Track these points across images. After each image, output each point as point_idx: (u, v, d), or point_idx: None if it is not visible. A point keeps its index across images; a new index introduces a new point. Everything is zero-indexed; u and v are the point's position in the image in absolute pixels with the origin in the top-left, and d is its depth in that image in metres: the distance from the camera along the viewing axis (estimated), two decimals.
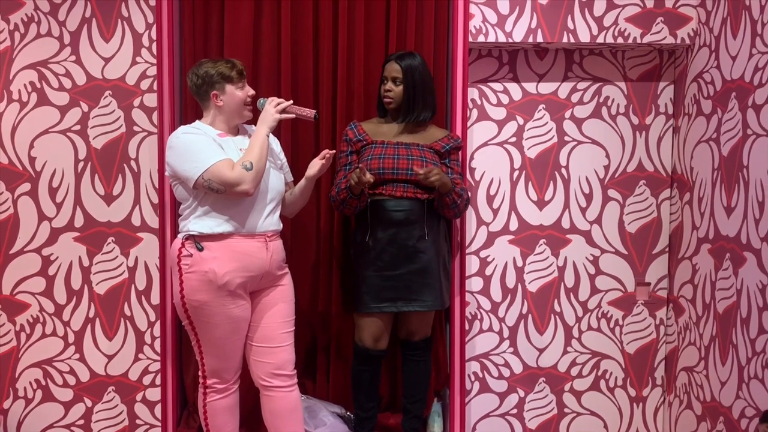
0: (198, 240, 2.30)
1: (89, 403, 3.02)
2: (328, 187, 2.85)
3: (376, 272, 2.58)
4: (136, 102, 2.93)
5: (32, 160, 2.94)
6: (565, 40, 2.87)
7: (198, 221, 2.31)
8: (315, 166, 2.47)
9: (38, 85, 2.91)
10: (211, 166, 2.22)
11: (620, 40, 2.89)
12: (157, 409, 3.01)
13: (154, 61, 2.88)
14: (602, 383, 3.16)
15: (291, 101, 2.42)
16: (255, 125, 2.39)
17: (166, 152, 2.34)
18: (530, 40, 2.87)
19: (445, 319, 2.98)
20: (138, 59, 2.92)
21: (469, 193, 2.76)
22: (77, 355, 3.00)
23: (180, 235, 2.36)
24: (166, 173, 2.39)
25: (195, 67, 2.40)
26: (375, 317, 2.62)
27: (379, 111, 2.74)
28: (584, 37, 2.88)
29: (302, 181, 2.51)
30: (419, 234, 2.57)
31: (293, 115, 2.41)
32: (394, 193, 2.56)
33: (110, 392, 3.02)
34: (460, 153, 2.72)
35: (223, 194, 2.26)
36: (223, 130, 2.39)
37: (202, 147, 2.27)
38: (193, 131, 2.33)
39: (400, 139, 2.64)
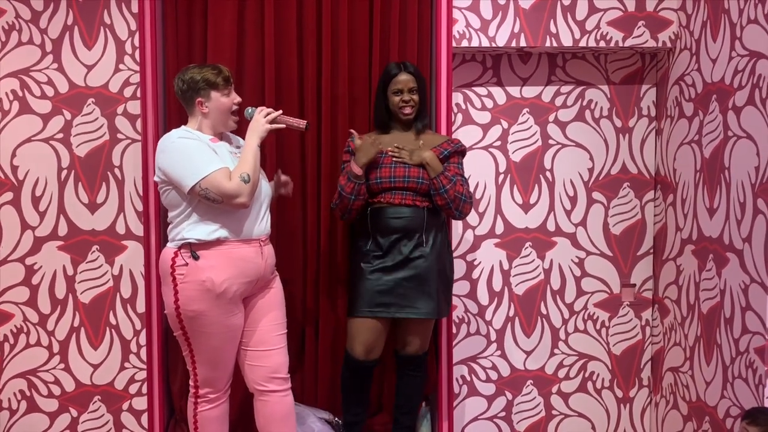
0: (194, 248, 2.26)
1: (75, 413, 2.99)
2: (314, 190, 2.86)
3: (373, 278, 2.58)
4: (120, 109, 2.91)
5: (15, 168, 2.91)
6: (548, 44, 2.89)
7: (192, 228, 2.26)
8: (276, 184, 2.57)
9: (20, 93, 2.89)
10: (209, 174, 2.18)
11: (602, 44, 2.91)
12: (144, 418, 2.98)
13: (137, 68, 2.86)
14: (589, 385, 3.18)
15: (281, 111, 2.39)
16: (240, 134, 2.37)
17: (158, 156, 2.28)
18: (513, 44, 2.89)
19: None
20: (121, 66, 2.90)
21: (472, 195, 2.70)
22: (62, 365, 2.97)
23: (171, 244, 2.31)
24: (156, 178, 2.32)
25: (181, 72, 2.37)
26: (368, 324, 2.60)
27: (378, 125, 2.69)
28: (567, 41, 2.90)
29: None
30: (418, 242, 2.56)
31: (284, 125, 2.38)
32: (393, 200, 2.56)
33: (96, 402, 2.99)
34: (463, 157, 2.68)
35: (220, 204, 2.23)
36: (210, 135, 2.36)
37: (199, 153, 2.23)
38: (187, 135, 2.28)
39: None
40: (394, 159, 2.58)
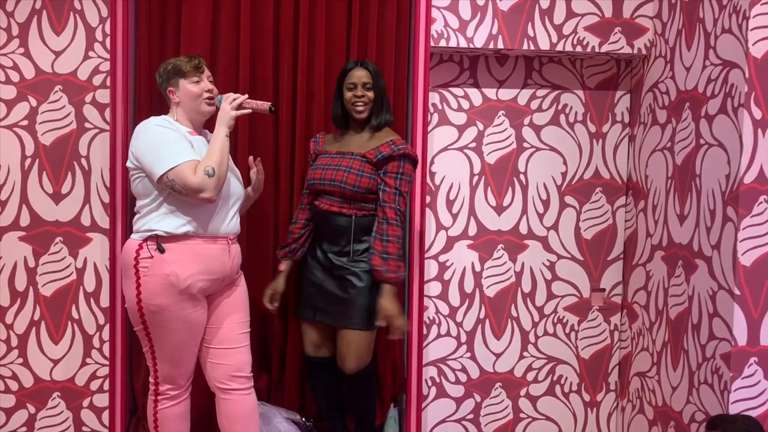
0: (160, 241, 2.21)
1: (33, 410, 2.90)
2: (286, 187, 2.82)
3: (306, 282, 2.61)
4: (88, 98, 2.84)
5: None
6: (525, 47, 2.90)
7: (161, 219, 2.21)
8: (253, 180, 2.55)
9: None
10: (177, 165, 2.13)
11: (579, 49, 2.92)
12: (105, 416, 2.91)
13: (108, 56, 2.79)
14: (557, 388, 3.19)
15: (246, 95, 2.33)
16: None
17: (133, 140, 2.23)
18: (491, 46, 2.88)
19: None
20: (90, 54, 2.83)
21: (399, 244, 2.48)
22: (20, 360, 2.88)
23: (136, 235, 2.25)
24: (128, 164, 2.26)
25: (161, 65, 2.35)
26: (308, 325, 2.64)
27: (336, 123, 2.64)
28: (544, 45, 2.90)
29: (249, 190, 2.57)
30: (345, 250, 2.51)
31: (249, 110, 2.32)
32: (322, 206, 2.54)
33: (55, 398, 2.90)
34: (404, 163, 2.48)
35: (186, 197, 2.19)
36: (189, 127, 2.31)
37: (172, 142, 2.18)
38: (165, 124, 2.23)
39: (343, 148, 2.57)
40: (332, 162, 2.51)
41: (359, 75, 2.52)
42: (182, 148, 2.18)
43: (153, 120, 2.26)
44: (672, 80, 2.77)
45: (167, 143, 2.18)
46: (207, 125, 2.42)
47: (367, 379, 2.61)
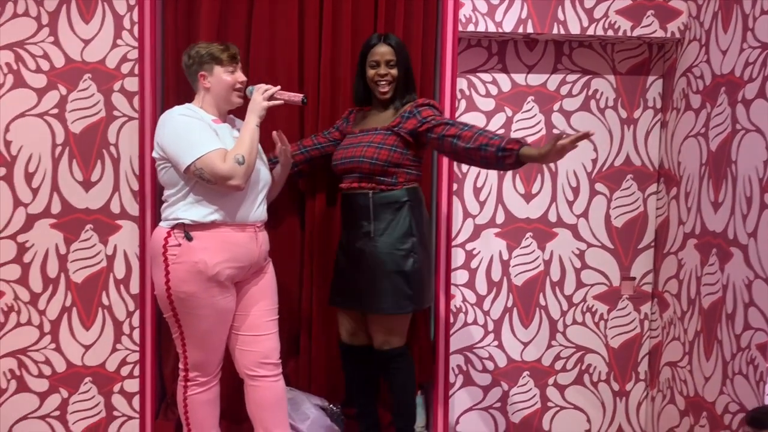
0: (188, 229, 2.22)
1: (65, 394, 2.95)
2: (312, 173, 2.81)
3: (337, 269, 2.59)
4: (117, 86, 2.85)
5: (8, 144, 2.85)
6: (555, 31, 2.84)
7: (188, 209, 2.22)
8: (279, 153, 2.51)
9: (15, 67, 2.82)
10: (205, 154, 2.13)
11: (610, 33, 2.86)
12: (135, 401, 2.95)
13: (136, 44, 2.80)
14: (586, 377, 3.15)
15: (279, 87, 2.33)
16: (242, 115, 2.32)
17: (158, 131, 2.23)
18: (520, 30, 2.84)
19: (429, 312, 2.94)
20: (119, 42, 2.84)
21: (482, 130, 2.26)
22: (53, 345, 2.92)
23: (164, 223, 2.26)
24: (154, 154, 2.27)
25: (189, 47, 2.33)
26: (342, 312, 2.61)
27: (357, 101, 2.58)
28: (574, 29, 2.85)
29: (278, 168, 2.54)
30: (365, 231, 2.41)
31: (282, 101, 2.32)
32: (343, 187, 2.47)
33: (87, 383, 2.95)
34: (434, 109, 2.37)
35: (214, 186, 2.19)
36: (214, 115, 2.31)
37: (198, 131, 2.18)
38: (189, 113, 2.23)
39: (367, 125, 2.48)
40: (353, 140, 2.43)
41: (382, 52, 2.42)
42: (208, 136, 2.18)
43: (177, 109, 2.25)
44: (707, 64, 2.70)
45: (193, 132, 2.17)
46: (233, 112, 2.42)
47: (399, 361, 2.51)
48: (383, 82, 2.43)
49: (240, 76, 2.32)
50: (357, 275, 2.47)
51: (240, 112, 2.42)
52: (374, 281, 2.42)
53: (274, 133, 2.56)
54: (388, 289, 2.40)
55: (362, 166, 2.38)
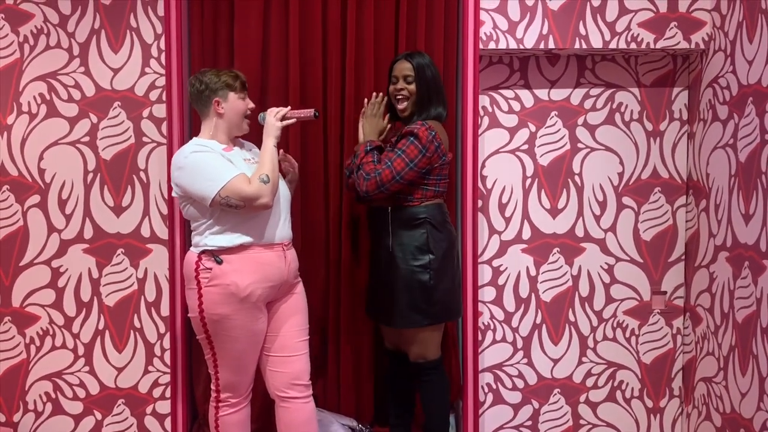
0: (216, 254, 2.26)
1: (99, 416, 3.00)
2: (336, 192, 2.84)
3: (368, 281, 2.68)
4: (145, 113, 2.92)
5: (42, 171, 2.93)
6: (577, 45, 2.84)
7: (214, 237, 2.27)
8: (286, 171, 2.54)
9: (47, 97, 2.91)
10: (227, 182, 2.19)
11: (633, 46, 2.84)
12: (167, 422, 2.98)
13: (163, 71, 2.86)
14: (618, 394, 3.10)
15: (289, 107, 2.41)
16: (253, 139, 2.38)
17: (174, 173, 2.29)
18: (542, 46, 2.84)
19: (457, 330, 2.93)
20: (147, 70, 2.91)
21: (378, 174, 2.39)
22: (87, 368, 2.98)
23: (195, 249, 2.31)
24: (174, 194, 2.34)
25: (197, 74, 2.39)
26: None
27: (393, 117, 2.64)
28: (596, 43, 2.84)
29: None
30: (385, 244, 2.49)
31: (295, 120, 2.39)
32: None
33: (120, 405, 2.99)
34: (410, 144, 2.39)
35: (243, 209, 2.23)
36: (224, 142, 2.36)
37: (214, 164, 2.24)
38: (200, 149, 2.28)
39: (393, 140, 2.55)
40: (386, 149, 2.50)
41: (401, 68, 2.49)
42: (224, 166, 2.25)
43: (187, 148, 2.31)
44: (733, 74, 2.66)
45: (209, 166, 2.23)
46: (251, 137, 2.49)
47: (431, 374, 2.53)
48: (400, 97, 2.50)
49: (249, 103, 2.40)
50: (378, 288, 2.57)
51: (251, 137, 2.49)
52: (389, 294, 2.49)
53: (281, 152, 2.58)
54: (400, 302, 2.46)
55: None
